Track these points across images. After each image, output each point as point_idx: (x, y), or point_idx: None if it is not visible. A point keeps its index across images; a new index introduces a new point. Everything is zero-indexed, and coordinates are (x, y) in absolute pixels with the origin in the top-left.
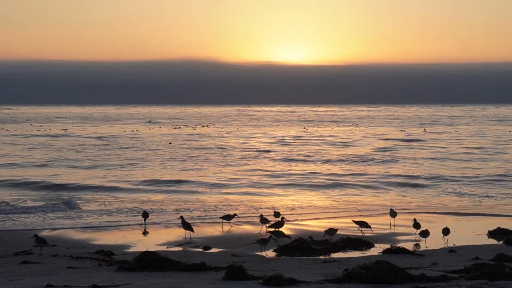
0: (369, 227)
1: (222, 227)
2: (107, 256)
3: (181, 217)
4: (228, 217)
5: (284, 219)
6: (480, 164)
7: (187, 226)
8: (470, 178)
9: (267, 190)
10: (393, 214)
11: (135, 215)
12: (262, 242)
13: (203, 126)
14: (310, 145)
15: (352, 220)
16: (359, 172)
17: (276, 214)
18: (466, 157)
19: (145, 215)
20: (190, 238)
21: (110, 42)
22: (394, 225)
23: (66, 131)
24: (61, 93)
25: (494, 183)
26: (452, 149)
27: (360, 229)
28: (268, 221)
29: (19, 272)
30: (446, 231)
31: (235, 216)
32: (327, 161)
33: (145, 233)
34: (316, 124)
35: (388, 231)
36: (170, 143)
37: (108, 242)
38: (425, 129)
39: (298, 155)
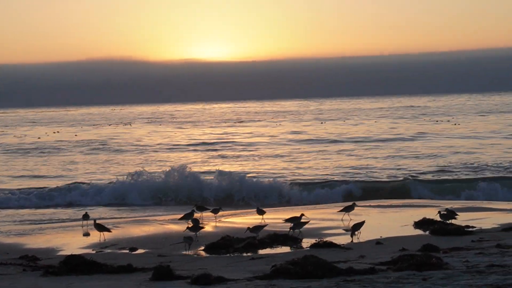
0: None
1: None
2: (31, 261)
3: (94, 220)
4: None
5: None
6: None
7: (100, 228)
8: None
9: None
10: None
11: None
12: (188, 240)
13: (124, 124)
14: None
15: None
16: None
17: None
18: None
19: (86, 217)
20: (105, 240)
21: (32, 44)
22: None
23: None
24: None
25: None
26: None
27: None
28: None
29: None
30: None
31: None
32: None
33: (86, 234)
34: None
35: (315, 225)
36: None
37: (32, 246)
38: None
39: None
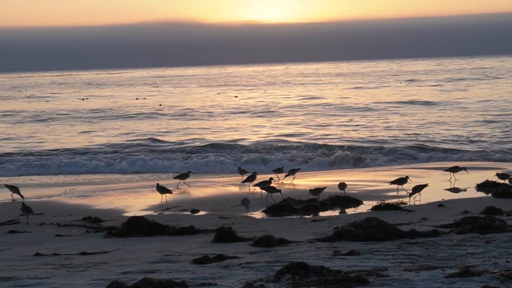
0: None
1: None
2: (94, 223)
3: (157, 184)
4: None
5: (271, 179)
6: None
7: (162, 190)
8: None
9: None
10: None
11: (124, 181)
12: (245, 202)
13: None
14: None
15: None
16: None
17: (278, 171)
18: None
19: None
20: (167, 202)
21: (87, 6)
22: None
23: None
24: (37, 60)
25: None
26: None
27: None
28: (245, 172)
29: (7, 242)
30: (342, 186)
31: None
32: None
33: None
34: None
35: (376, 187)
36: (160, 104)
37: (95, 208)
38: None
39: None
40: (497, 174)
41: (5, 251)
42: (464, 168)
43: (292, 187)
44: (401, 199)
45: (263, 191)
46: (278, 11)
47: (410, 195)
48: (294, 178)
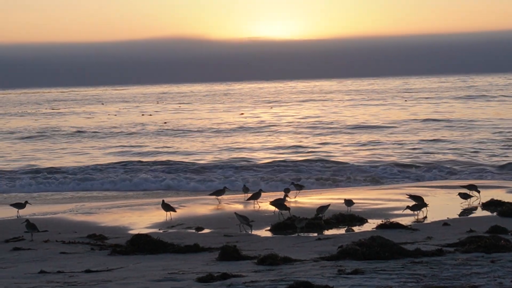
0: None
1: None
2: (99, 240)
3: (162, 200)
4: (218, 192)
5: (286, 196)
6: None
7: (167, 207)
8: None
9: None
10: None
11: (127, 197)
12: (243, 219)
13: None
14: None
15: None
16: None
17: (286, 191)
18: None
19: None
20: (171, 219)
21: (97, 23)
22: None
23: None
24: (48, 76)
25: None
26: None
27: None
28: (249, 190)
29: (11, 259)
30: (349, 203)
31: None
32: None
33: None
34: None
35: (380, 206)
36: (165, 122)
37: (99, 225)
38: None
39: None
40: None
41: (10, 268)
42: (477, 189)
43: (298, 205)
44: (405, 217)
45: (276, 208)
46: (284, 28)
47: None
48: (297, 194)
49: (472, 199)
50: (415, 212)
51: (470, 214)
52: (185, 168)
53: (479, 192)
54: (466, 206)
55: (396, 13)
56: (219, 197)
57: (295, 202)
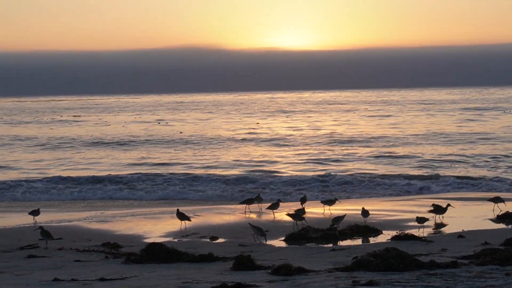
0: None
1: (246, 214)
2: (113, 248)
3: (177, 209)
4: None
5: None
6: None
7: (182, 216)
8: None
9: None
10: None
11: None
12: (257, 230)
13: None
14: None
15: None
16: None
17: (302, 200)
18: None
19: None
20: (186, 228)
21: (113, 31)
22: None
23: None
24: (65, 83)
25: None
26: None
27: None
28: (262, 200)
29: (26, 267)
30: (365, 214)
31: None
32: None
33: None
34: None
35: (395, 217)
36: (181, 132)
37: (114, 233)
38: None
39: None
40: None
41: (24, 275)
42: (502, 201)
43: (314, 215)
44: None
45: (292, 219)
46: (300, 38)
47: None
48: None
49: (496, 211)
50: (423, 224)
51: (485, 226)
52: (208, 178)
53: (505, 203)
54: (482, 218)
55: (412, 25)
56: (249, 206)
57: (311, 212)
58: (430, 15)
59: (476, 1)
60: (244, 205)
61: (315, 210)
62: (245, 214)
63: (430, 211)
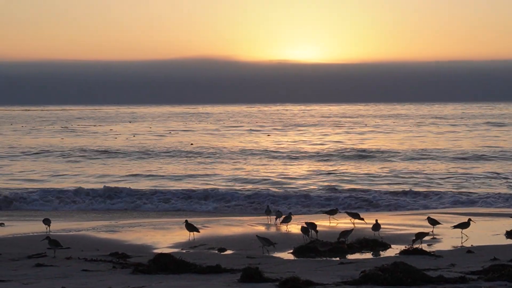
0: (362, 219)
1: (269, 222)
2: (121, 259)
3: (186, 220)
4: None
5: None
6: None
7: (191, 227)
8: None
9: None
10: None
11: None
12: (265, 241)
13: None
14: None
15: (346, 212)
16: None
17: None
18: None
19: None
20: (194, 239)
21: (127, 41)
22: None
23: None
24: (73, 93)
25: None
26: None
27: (353, 221)
28: (271, 212)
29: (34, 276)
30: (376, 227)
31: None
32: None
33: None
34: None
35: (405, 231)
36: (191, 144)
37: (122, 243)
38: None
39: None
40: None
41: (32, 284)
42: None
43: (322, 229)
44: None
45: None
46: (312, 51)
47: (413, 241)
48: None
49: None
50: (421, 240)
51: (494, 242)
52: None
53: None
54: (491, 233)
55: (423, 39)
56: (270, 218)
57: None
58: (441, 30)
59: (487, 17)
60: (266, 217)
61: (323, 223)
62: (269, 222)
63: (455, 227)
